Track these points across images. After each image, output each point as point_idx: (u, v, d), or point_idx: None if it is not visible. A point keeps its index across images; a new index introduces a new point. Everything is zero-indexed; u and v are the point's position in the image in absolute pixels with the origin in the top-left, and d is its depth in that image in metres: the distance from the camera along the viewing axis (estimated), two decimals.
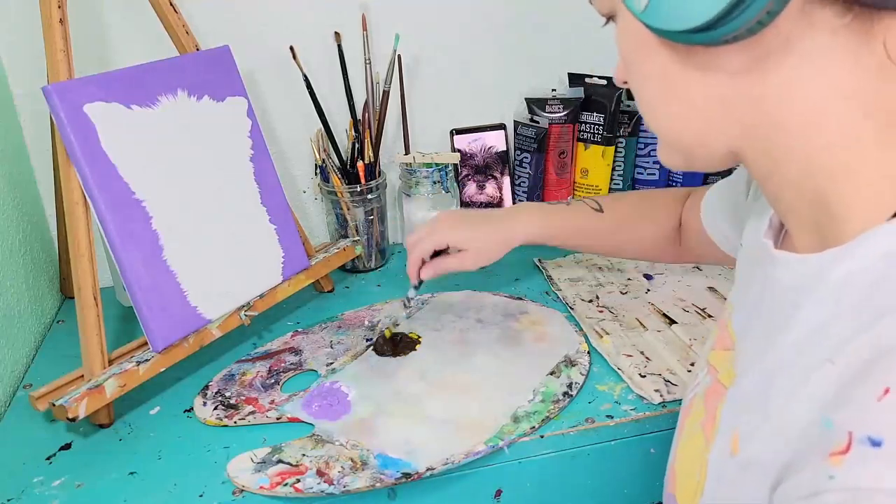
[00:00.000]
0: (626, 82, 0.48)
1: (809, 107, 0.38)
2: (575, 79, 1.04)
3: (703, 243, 0.72)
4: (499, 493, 0.66)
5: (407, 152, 0.99)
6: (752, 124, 0.41)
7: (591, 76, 1.03)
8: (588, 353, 0.76)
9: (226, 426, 0.69)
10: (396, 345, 0.79)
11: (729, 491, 0.41)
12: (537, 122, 1.00)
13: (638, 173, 1.08)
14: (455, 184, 1.01)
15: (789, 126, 0.39)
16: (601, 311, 0.83)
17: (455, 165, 1.01)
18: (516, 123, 1.02)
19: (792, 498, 0.34)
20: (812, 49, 0.37)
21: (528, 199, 1.03)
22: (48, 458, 0.66)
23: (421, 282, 0.81)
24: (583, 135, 1.03)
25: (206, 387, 0.74)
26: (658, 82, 0.44)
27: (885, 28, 0.35)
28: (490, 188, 1.03)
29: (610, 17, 0.47)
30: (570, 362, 0.74)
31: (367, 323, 0.84)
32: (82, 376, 0.68)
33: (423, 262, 0.80)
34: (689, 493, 0.47)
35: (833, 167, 0.39)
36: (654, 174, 1.07)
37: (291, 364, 0.77)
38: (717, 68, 0.40)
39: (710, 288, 0.86)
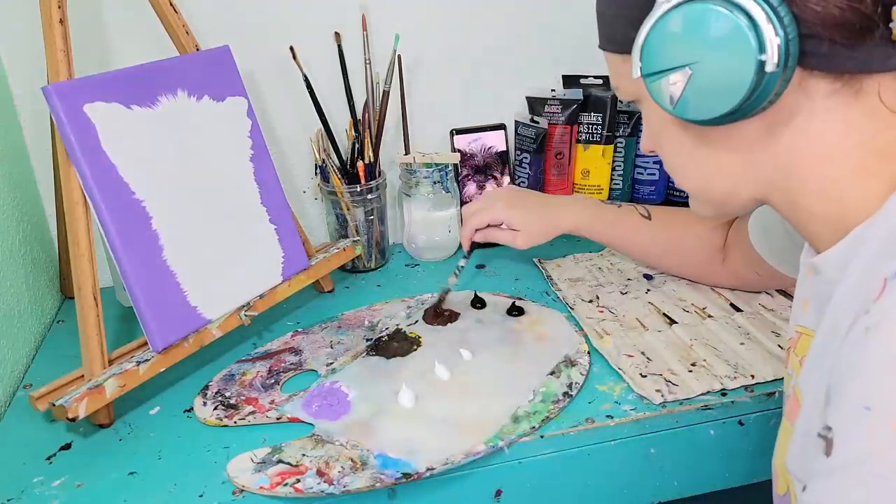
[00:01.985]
0: (653, 151, 0.57)
1: (817, 154, 0.46)
2: (569, 81, 1.04)
3: (750, 261, 0.77)
4: (499, 493, 0.66)
5: (407, 152, 0.99)
6: (770, 177, 0.49)
7: (586, 76, 1.03)
8: (588, 353, 0.76)
9: (226, 426, 0.69)
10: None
11: (802, 443, 0.45)
12: (537, 123, 1.00)
13: (638, 173, 1.08)
14: (455, 184, 1.01)
15: (802, 172, 0.47)
16: (601, 312, 0.83)
17: (455, 165, 1.01)
18: (516, 123, 1.02)
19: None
20: (812, 111, 0.45)
21: None
22: (48, 458, 0.66)
23: (472, 250, 0.88)
24: (582, 136, 1.03)
25: (206, 387, 0.74)
26: (684, 154, 0.53)
27: (877, 83, 0.44)
28: (490, 188, 1.03)
29: (633, 101, 0.55)
30: (570, 362, 0.74)
31: (367, 323, 0.84)
32: (82, 376, 0.68)
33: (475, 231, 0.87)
34: (782, 480, 0.51)
35: (842, 194, 0.46)
36: (654, 174, 1.07)
37: (291, 364, 0.77)
38: (734, 139, 0.49)
39: (710, 288, 0.86)
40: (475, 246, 0.88)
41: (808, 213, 0.49)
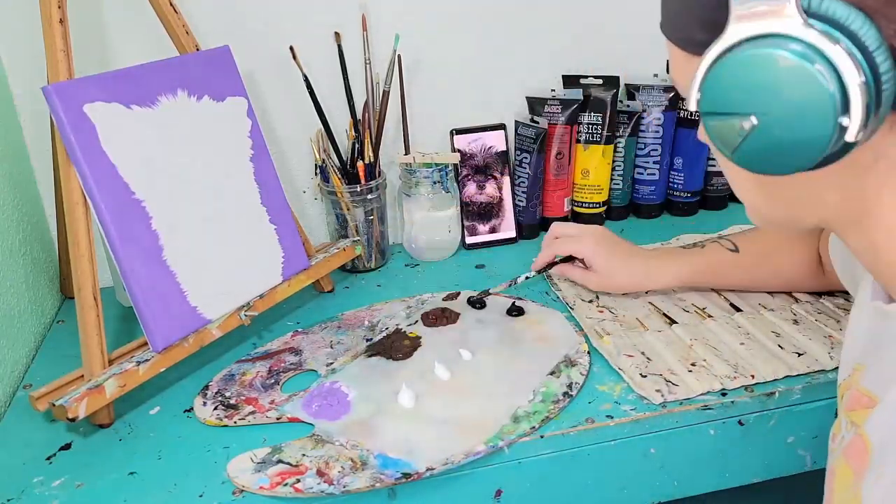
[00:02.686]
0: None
1: None
2: (570, 81, 1.04)
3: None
4: (499, 493, 0.66)
5: (407, 152, 0.99)
6: (846, 216, 0.45)
7: (586, 76, 1.03)
8: (588, 353, 0.76)
9: (226, 426, 0.69)
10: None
11: None
12: (537, 123, 1.00)
13: (638, 173, 1.08)
14: (455, 184, 1.01)
15: (882, 211, 0.43)
16: (601, 312, 0.83)
17: (455, 165, 1.01)
18: (516, 123, 1.02)
19: None
20: None
21: (527, 200, 1.03)
22: (48, 458, 0.66)
23: (541, 272, 0.87)
24: (582, 136, 1.03)
25: (206, 387, 0.74)
26: (752, 186, 0.48)
27: None
28: (490, 188, 1.03)
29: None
30: (570, 362, 0.74)
31: (367, 323, 0.84)
32: (82, 376, 0.68)
33: (555, 258, 0.86)
34: None
35: None
36: (654, 174, 1.07)
37: (291, 364, 0.77)
38: (811, 184, 0.44)
39: (710, 288, 0.86)
40: (545, 269, 0.87)
41: (886, 257, 0.44)
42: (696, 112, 0.42)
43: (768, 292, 0.84)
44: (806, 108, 0.37)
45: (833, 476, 0.49)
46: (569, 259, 0.86)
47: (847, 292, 0.71)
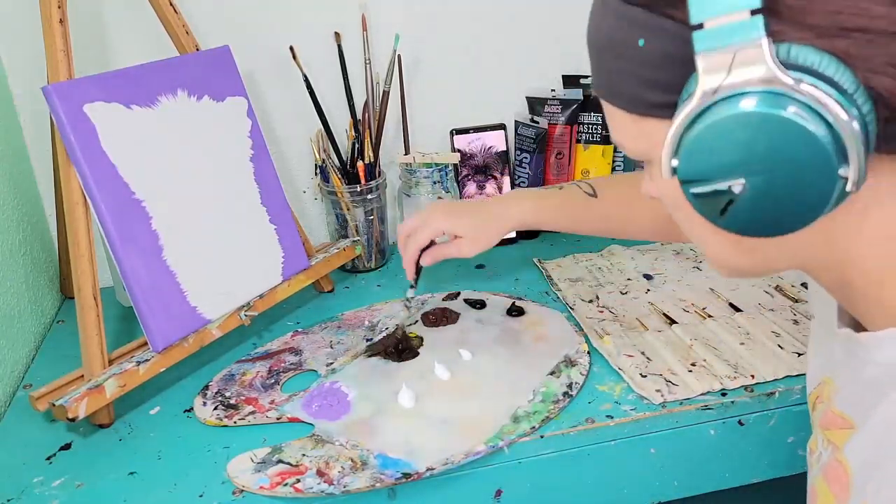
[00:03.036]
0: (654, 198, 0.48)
1: (879, 236, 0.40)
2: (569, 81, 1.04)
3: None
4: (499, 493, 0.66)
5: (407, 152, 0.99)
6: (817, 255, 0.43)
7: (586, 76, 1.03)
8: (588, 353, 0.76)
9: (226, 426, 0.69)
10: (400, 353, 0.77)
11: None
12: (537, 123, 1.00)
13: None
14: (455, 184, 1.01)
15: (860, 252, 0.41)
16: (601, 312, 0.83)
17: (455, 165, 1.01)
18: (516, 123, 1.02)
19: None
20: (879, 192, 0.39)
21: None
22: (48, 458, 0.66)
23: (418, 276, 0.82)
24: (582, 136, 1.03)
25: (206, 387, 0.74)
26: (727, 245, 0.44)
27: None
28: (490, 188, 1.03)
29: (643, 161, 0.46)
30: (570, 362, 0.74)
31: (367, 323, 0.84)
32: (82, 376, 0.68)
33: (419, 256, 0.81)
34: None
35: None
36: None
37: (291, 364, 0.77)
38: (796, 233, 0.41)
39: (710, 288, 0.86)
40: (419, 270, 0.82)
41: (861, 293, 0.43)
42: (672, 177, 0.39)
43: (764, 290, 0.84)
44: (804, 163, 0.35)
45: (815, 497, 0.49)
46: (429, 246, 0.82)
47: None
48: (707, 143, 0.37)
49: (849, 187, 0.35)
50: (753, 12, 0.34)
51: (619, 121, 0.44)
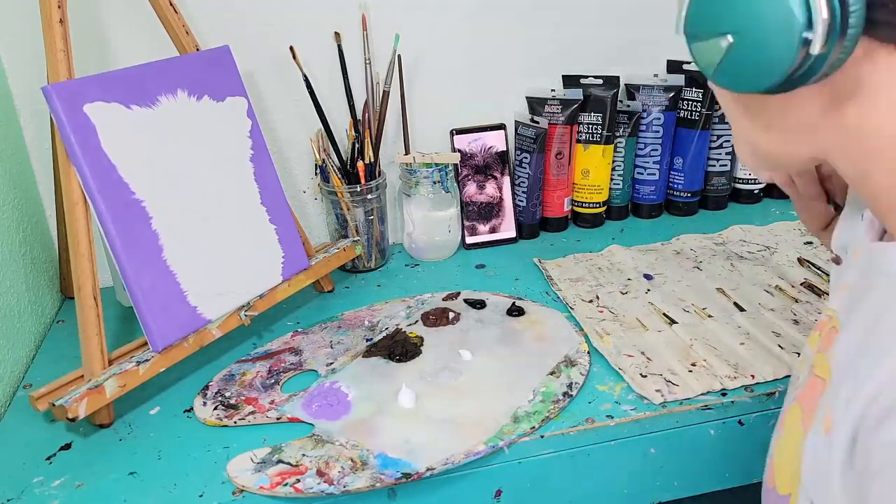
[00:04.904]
0: None
1: (891, 124, 0.41)
2: (570, 81, 1.04)
3: None
4: (499, 493, 0.66)
5: (407, 152, 0.99)
6: (835, 144, 0.45)
7: (586, 76, 1.04)
8: (588, 353, 0.76)
9: (226, 426, 0.69)
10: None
11: (823, 467, 0.42)
12: (537, 123, 1.00)
13: (638, 173, 1.08)
14: (455, 184, 1.01)
15: (873, 142, 0.42)
16: (601, 312, 0.83)
17: (455, 165, 1.01)
18: (516, 123, 1.02)
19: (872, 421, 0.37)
20: (882, 85, 0.40)
21: (527, 200, 1.03)
22: (48, 458, 0.66)
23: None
24: (582, 136, 1.03)
25: (206, 387, 0.74)
26: (743, 119, 0.48)
27: None
28: (490, 188, 1.03)
29: None
30: (570, 362, 0.74)
31: (367, 323, 0.84)
32: (82, 376, 0.68)
33: None
34: (788, 480, 0.48)
35: None
36: (654, 174, 1.07)
37: (291, 364, 0.77)
38: (795, 108, 0.44)
39: (712, 287, 0.86)
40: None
41: (884, 191, 0.44)
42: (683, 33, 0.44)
43: (764, 290, 0.84)
44: (771, 21, 0.39)
45: (786, 413, 0.51)
46: None
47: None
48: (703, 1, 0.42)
49: (813, 49, 0.37)
50: None
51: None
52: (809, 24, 0.37)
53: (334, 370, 0.75)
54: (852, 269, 0.49)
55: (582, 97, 1.01)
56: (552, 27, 1.03)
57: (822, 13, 0.37)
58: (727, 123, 0.89)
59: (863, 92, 0.41)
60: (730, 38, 0.41)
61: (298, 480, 0.60)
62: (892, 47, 0.39)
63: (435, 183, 0.97)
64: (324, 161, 0.93)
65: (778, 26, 0.38)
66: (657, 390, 0.69)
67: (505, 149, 1.03)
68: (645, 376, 0.71)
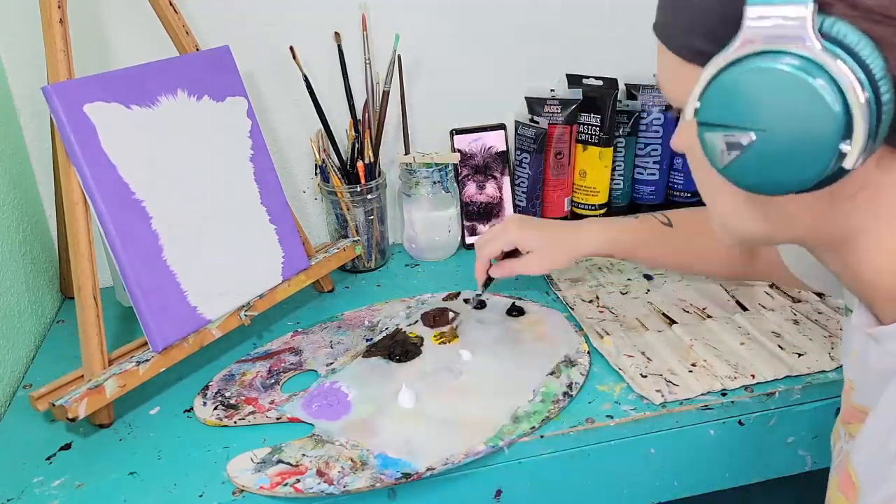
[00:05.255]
0: (681, 152, 0.50)
1: (886, 218, 0.41)
2: (574, 80, 1.04)
3: (778, 266, 0.71)
4: (499, 493, 0.66)
5: (407, 152, 0.99)
6: (821, 236, 0.45)
7: (587, 77, 1.03)
8: (588, 353, 0.76)
9: (226, 426, 0.69)
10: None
11: None
12: (537, 123, 1.00)
13: (638, 173, 1.08)
14: (455, 184, 1.01)
15: (860, 241, 0.43)
16: (601, 312, 0.83)
17: (455, 165, 1.01)
18: (516, 124, 1.02)
19: None
20: (886, 184, 0.41)
21: (527, 200, 1.03)
22: (48, 458, 0.66)
23: (488, 283, 0.82)
24: (581, 136, 1.03)
25: (206, 387, 0.74)
26: (730, 199, 0.46)
27: None
28: (490, 188, 1.03)
29: (679, 109, 0.47)
30: (570, 362, 0.74)
31: (367, 323, 0.84)
32: (82, 376, 0.68)
33: (490, 265, 0.82)
34: None
35: None
36: (654, 174, 1.07)
37: (291, 364, 0.77)
38: (795, 203, 0.43)
39: (712, 287, 0.86)
40: (489, 281, 0.82)
41: (869, 281, 0.44)
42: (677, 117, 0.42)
43: (764, 290, 0.84)
44: (809, 127, 0.37)
45: (831, 497, 0.49)
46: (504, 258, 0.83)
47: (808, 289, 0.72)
48: (732, 90, 0.38)
49: (847, 164, 0.36)
50: None
51: (666, 63, 0.46)
52: (848, 133, 0.36)
53: (334, 370, 0.75)
54: (860, 350, 0.48)
55: (581, 97, 1.01)
56: (552, 27, 1.03)
57: (862, 123, 0.36)
58: None
59: (862, 195, 0.41)
60: (752, 136, 0.38)
61: (298, 480, 0.60)
62: None
63: (435, 183, 0.97)
64: (324, 161, 0.93)
65: (814, 134, 0.36)
66: (657, 390, 0.69)
67: (505, 149, 1.03)
68: (645, 376, 0.71)
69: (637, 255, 0.80)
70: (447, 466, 0.61)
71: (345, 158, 0.96)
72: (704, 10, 0.41)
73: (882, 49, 0.36)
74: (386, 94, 0.95)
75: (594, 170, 1.04)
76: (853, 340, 0.50)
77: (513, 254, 0.82)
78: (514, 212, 1.04)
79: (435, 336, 0.80)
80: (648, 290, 0.87)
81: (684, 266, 0.83)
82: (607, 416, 0.67)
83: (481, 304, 0.86)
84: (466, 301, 0.86)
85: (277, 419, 0.69)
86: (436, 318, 0.82)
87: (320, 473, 0.61)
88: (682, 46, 0.44)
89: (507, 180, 1.04)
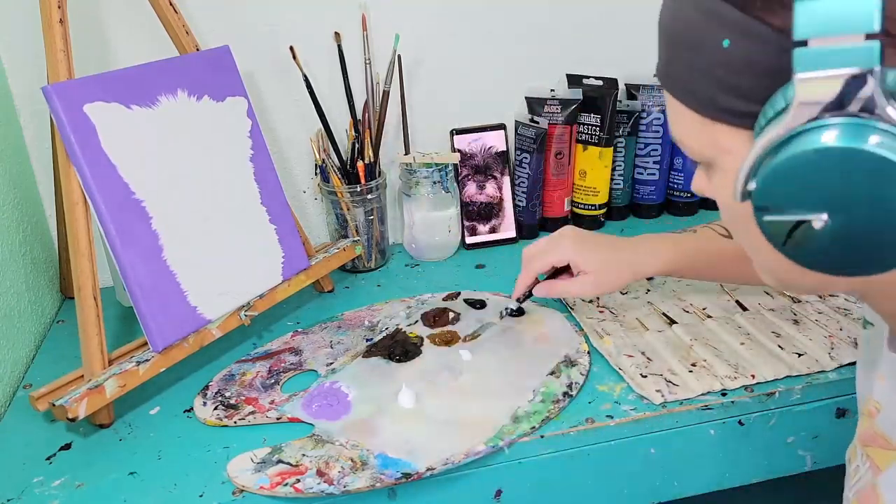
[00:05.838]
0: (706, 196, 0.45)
1: None
2: (574, 80, 1.04)
3: None
4: (499, 493, 0.66)
5: (407, 152, 0.99)
6: (882, 289, 0.40)
7: (588, 77, 1.03)
8: (588, 353, 0.76)
9: (226, 426, 0.69)
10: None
11: None
12: (537, 123, 1.00)
13: (638, 173, 1.08)
14: (455, 184, 1.01)
15: None
16: (601, 312, 0.83)
17: (455, 165, 1.01)
18: (516, 124, 1.02)
19: None
20: None
21: (527, 200, 1.03)
22: (48, 458, 0.66)
23: (526, 298, 0.78)
24: (581, 136, 1.03)
25: (206, 387, 0.74)
26: (781, 260, 0.39)
27: None
28: (490, 188, 1.03)
29: (704, 162, 0.42)
30: (570, 362, 0.74)
31: (367, 323, 0.84)
32: (82, 376, 0.68)
33: (537, 280, 0.76)
34: None
35: None
36: (654, 174, 1.07)
37: (291, 364, 0.77)
38: None
39: (715, 286, 0.86)
40: (528, 296, 0.77)
41: None
42: (744, 200, 0.35)
43: (765, 290, 0.84)
44: (890, 209, 0.31)
45: None
46: (552, 276, 0.77)
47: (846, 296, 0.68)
48: (793, 172, 0.33)
49: None
50: (869, 36, 0.30)
51: (685, 119, 0.40)
52: None
53: (334, 370, 0.75)
54: (889, 375, 0.46)
55: (581, 97, 1.01)
56: (553, 27, 1.03)
57: None
58: None
59: None
60: (824, 217, 0.33)
61: (298, 480, 0.60)
62: None
63: (435, 183, 0.97)
64: (324, 161, 0.93)
65: None
66: (657, 390, 0.69)
67: (505, 149, 1.03)
68: (645, 376, 0.71)
69: (699, 271, 0.75)
70: (447, 466, 0.61)
71: (345, 158, 0.96)
72: (730, 65, 0.36)
73: None
74: (386, 94, 0.95)
75: (594, 170, 1.04)
76: (882, 364, 0.47)
77: (561, 268, 0.76)
78: (514, 212, 1.04)
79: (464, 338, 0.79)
80: (648, 290, 0.87)
81: (745, 276, 0.74)
82: (607, 416, 0.67)
83: (520, 312, 0.82)
84: (501, 315, 0.81)
85: (277, 419, 0.69)
86: (436, 318, 0.82)
87: (320, 473, 0.61)
88: (705, 104, 0.38)
89: (507, 180, 1.04)
